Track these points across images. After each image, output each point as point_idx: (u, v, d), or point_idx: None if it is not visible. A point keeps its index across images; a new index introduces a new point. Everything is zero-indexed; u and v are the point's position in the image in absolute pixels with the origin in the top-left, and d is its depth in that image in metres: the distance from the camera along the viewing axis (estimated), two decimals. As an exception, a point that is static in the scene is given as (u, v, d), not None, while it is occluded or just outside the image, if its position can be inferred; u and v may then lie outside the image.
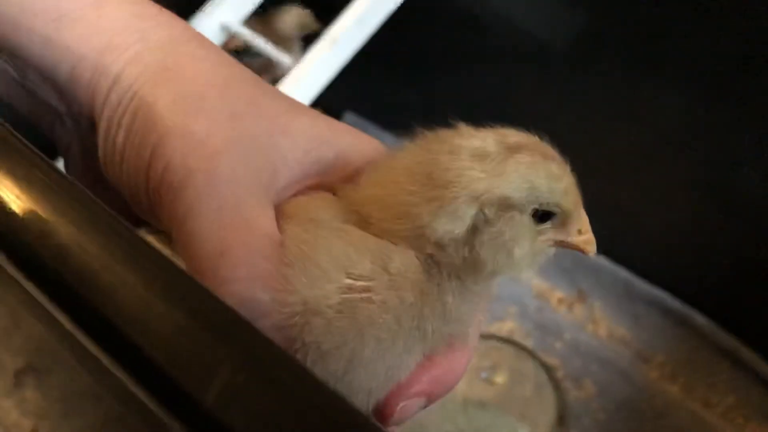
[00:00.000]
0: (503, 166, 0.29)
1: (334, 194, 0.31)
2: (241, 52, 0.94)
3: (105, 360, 0.20)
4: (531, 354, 0.57)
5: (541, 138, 0.31)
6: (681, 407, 0.80)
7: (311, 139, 0.30)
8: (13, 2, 0.30)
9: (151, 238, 0.30)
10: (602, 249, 0.94)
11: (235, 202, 0.28)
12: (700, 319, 0.85)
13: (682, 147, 0.84)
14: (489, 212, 0.28)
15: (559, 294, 0.90)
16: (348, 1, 0.83)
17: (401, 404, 0.30)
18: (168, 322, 0.19)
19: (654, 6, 0.79)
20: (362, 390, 0.29)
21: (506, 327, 0.86)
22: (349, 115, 1.07)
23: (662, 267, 0.88)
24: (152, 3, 0.32)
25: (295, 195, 0.30)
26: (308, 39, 0.95)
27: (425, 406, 0.31)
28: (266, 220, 0.28)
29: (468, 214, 0.28)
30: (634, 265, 0.89)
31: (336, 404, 0.19)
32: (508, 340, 0.59)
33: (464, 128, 0.31)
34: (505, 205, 0.28)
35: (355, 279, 0.28)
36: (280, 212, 0.30)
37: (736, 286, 0.84)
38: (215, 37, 0.86)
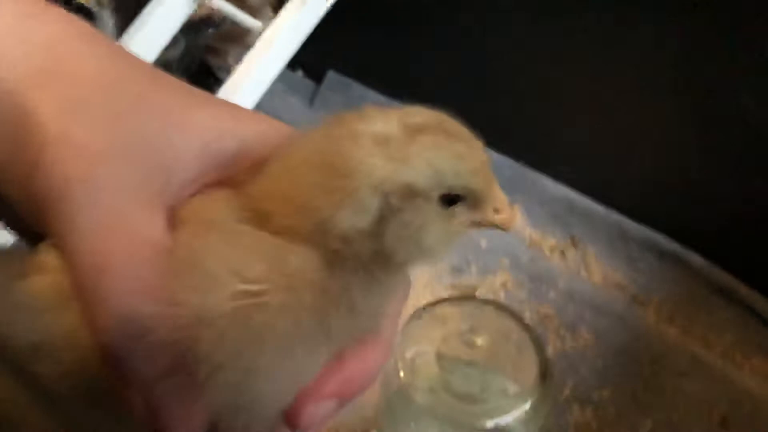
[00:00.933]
0: (405, 151, 0.27)
1: (236, 188, 0.29)
2: (207, 21, 0.92)
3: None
4: (512, 314, 0.56)
5: (449, 114, 0.29)
6: (680, 349, 0.79)
7: (211, 132, 0.29)
8: None
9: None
10: (594, 192, 0.93)
11: (116, 210, 0.26)
12: (696, 258, 0.83)
13: (672, 78, 0.81)
14: (394, 201, 0.27)
15: (551, 241, 0.89)
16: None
17: (310, 409, 0.29)
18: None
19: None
20: (266, 399, 0.28)
21: (499, 279, 0.86)
22: (332, 74, 1.05)
23: (656, 207, 0.86)
24: (40, 1, 0.31)
25: (195, 193, 0.29)
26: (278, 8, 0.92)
27: (339, 408, 0.30)
28: (152, 229, 0.27)
29: (372, 205, 0.27)
30: (627, 207, 0.87)
31: None
32: (487, 301, 0.58)
33: (369, 110, 0.29)
34: (410, 193, 0.27)
35: (248, 283, 0.26)
36: (175, 216, 0.28)
37: (732, 223, 0.83)
38: (185, 6, 0.84)
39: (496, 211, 0.30)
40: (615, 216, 0.87)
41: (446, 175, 0.27)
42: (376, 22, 1.01)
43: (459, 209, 0.29)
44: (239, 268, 0.26)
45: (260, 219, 0.28)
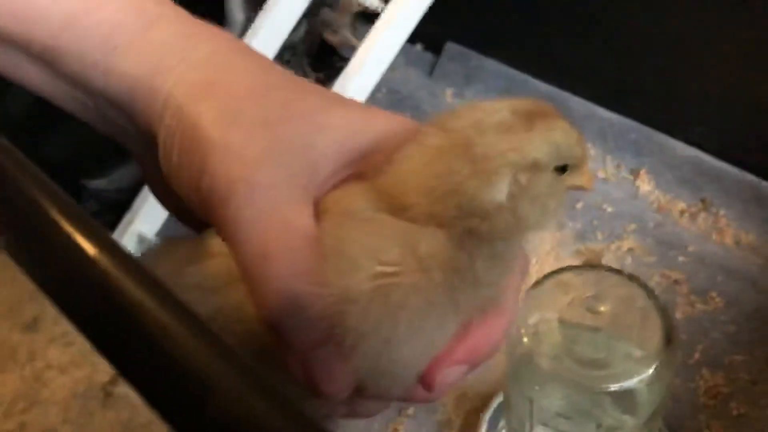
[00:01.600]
0: (528, 135, 0.31)
1: (371, 181, 0.33)
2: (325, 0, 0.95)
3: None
4: (635, 280, 0.57)
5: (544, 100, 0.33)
6: (820, 312, 0.76)
7: (345, 131, 0.33)
8: (77, 39, 0.34)
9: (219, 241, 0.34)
10: (726, 154, 0.90)
11: (272, 206, 0.31)
12: (838, 218, 0.79)
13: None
14: (523, 177, 0.31)
15: (681, 205, 0.87)
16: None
17: (442, 374, 0.32)
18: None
19: None
20: (403, 365, 0.32)
21: (625, 245, 0.85)
22: (450, 45, 1.07)
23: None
24: (195, 21, 0.35)
25: (336, 185, 0.33)
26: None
27: (468, 372, 0.33)
28: (303, 220, 0.31)
29: (506, 182, 0.31)
30: (761, 168, 0.84)
31: None
32: (609, 268, 0.58)
33: (477, 104, 0.32)
34: (536, 168, 0.31)
35: (384, 265, 0.30)
36: (320, 206, 0.32)
37: None
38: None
39: (584, 175, 0.34)
40: (748, 177, 0.84)
41: (561, 149, 0.32)
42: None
43: (567, 175, 0.33)
44: (376, 253, 0.31)
45: (394, 208, 0.31)
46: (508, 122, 0.31)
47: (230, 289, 0.32)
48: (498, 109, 0.32)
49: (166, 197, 0.39)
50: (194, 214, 0.34)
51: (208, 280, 0.33)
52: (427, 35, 1.07)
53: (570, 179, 0.33)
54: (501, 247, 0.32)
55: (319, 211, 0.32)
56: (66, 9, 0.34)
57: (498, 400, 0.71)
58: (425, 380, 0.33)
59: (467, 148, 0.31)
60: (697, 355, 0.75)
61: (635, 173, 0.91)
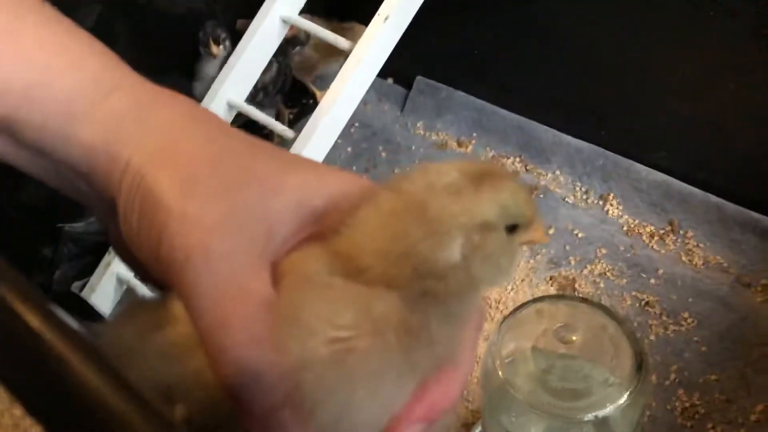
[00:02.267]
0: (477, 196, 0.32)
1: (327, 241, 0.34)
2: (293, 41, 0.97)
3: None
4: (604, 309, 0.58)
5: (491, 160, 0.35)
6: (790, 329, 0.78)
7: (301, 193, 0.33)
8: (37, 110, 0.34)
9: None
10: (691, 176, 0.92)
11: (229, 275, 0.31)
12: (802, 236, 0.82)
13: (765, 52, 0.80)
14: (475, 237, 0.32)
15: (649, 228, 0.89)
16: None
17: None
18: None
19: None
20: (362, 428, 0.32)
21: (597, 269, 0.87)
22: (420, 79, 1.09)
23: (755, 187, 0.85)
24: (153, 87, 0.36)
25: (294, 247, 0.34)
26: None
27: (427, 429, 0.34)
28: (260, 287, 0.32)
29: (459, 243, 0.32)
30: (724, 188, 0.86)
31: None
32: (579, 298, 0.60)
33: (428, 166, 0.34)
34: (486, 228, 0.32)
35: (339, 330, 0.31)
36: (277, 270, 0.33)
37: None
38: (279, 30, 0.90)
39: (539, 228, 0.35)
40: (714, 199, 0.87)
41: (509, 209, 0.33)
42: (458, 26, 1.04)
43: (518, 233, 0.34)
44: (331, 318, 0.31)
45: (349, 271, 0.32)
46: (457, 184, 0.32)
47: (192, 355, 0.33)
48: (447, 172, 0.33)
49: (129, 259, 0.39)
50: (156, 280, 0.35)
51: (170, 347, 0.33)
52: (398, 70, 1.09)
53: (522, 237, 0.34)
54: (455, 305, 0.33)
55: (277, 275, 0.33)
56: (25, 80, 0.34)
57: (477, 429, 0.72)
58: None
59: (420, 210, 0.32)
60: (672, 376, 0.76)
61: (604, 198, 0.93)
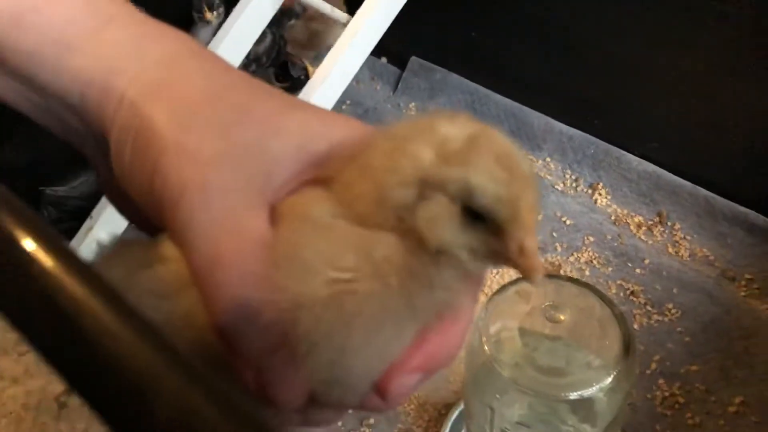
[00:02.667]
0: (455, 157, 0.30)
1: (327, 187, 0.33)
2: (288, 12, 0.96)
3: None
4: (593, 290, 0.58)
5: (510, 136, 0.32)
6: (772, 324, 0.78)
7: (303, 136, 0.32)
8: (27, 36, 0.33)
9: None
10: (681, 169, 0.92)
11: (226, 210, 0.30)
12: (788, 233, 0.82)
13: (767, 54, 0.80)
14: (427, 192, 0.30)
15: (637, 218, 0.89)
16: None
17: (397, 382, 0.32)
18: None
19: None
20: (358, 373, 0.31)
21: (584, 257, 0.87)
22: (414, 59, 1.08)
23: (745, 182, 0.85)
24: (151, 21, 0.35)
25: (293, 190, 0.33)
26: None
27: (423, 381, 0.33)
28: (257, 225, 0.31)
29: (413, 188, 0.30)
30: (714, 182, 0.86)
31: None
32: (568, 278, 0.59)
33: (440, 116, 0.32)
34: (441, 189, 0.30)
35: (340, 272, 0.30)
36: (275, 211, 0.32)
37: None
38: (273, 1, 0.89)
39: (521, 251, 0.30)
40: (703, 192, 0.87)
41: (474, 190, 0.29)
42: (455, 7, 1.03)
43: (480, 227, 0.30)
44: (332, 259, 0.30)
45: (350, 215, 0.31)
46: (451, 138, 0.30)
47: (182, 294, 0.32)
48: (456, 126, 0.31)
49: (120, 202, 0.38)
50: (149, 219, 0.33)
51: (159, 285, 0.32)
52: (392, 49, 1.08)
53: (484, 236, 0.30)
54: (448, 259, 0.31)
55: (274, 217, 0.32)
56: (16, 5, 0.33)
57: (459, 408, 0.71)
58: (380, 389, 0.32)
59: (397, 154, 0.30)
60: (654, 366, 0.76)
61: (593, 187, 0.93)
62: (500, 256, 0.30)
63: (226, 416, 0.20)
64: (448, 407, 0.74)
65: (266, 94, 0.34)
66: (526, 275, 0.30)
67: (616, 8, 0.90)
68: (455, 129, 0.31)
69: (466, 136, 0.30)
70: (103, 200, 0.87)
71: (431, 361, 0.32)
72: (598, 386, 0.55)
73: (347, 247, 0.30)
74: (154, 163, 0.31)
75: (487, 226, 0.30)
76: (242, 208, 0.31)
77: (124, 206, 0.39)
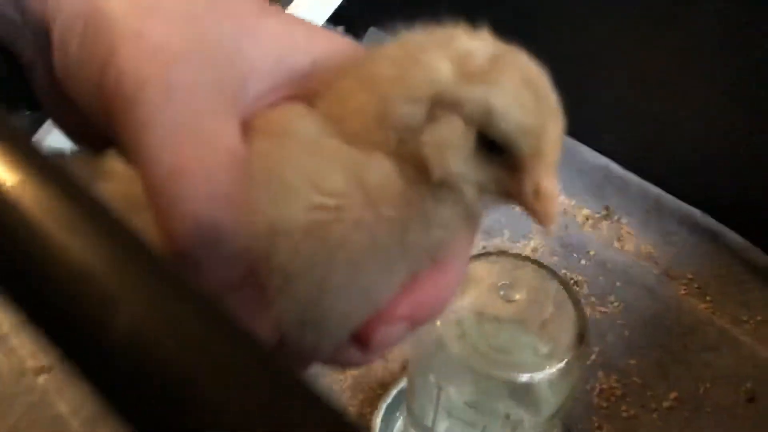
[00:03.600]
0: (476, 73, 0.26)
1: (310, 105, 0.29)
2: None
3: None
4: (550, 272, 0.56)
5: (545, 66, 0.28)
6: (710, 324, 0.79)
7: (284, 45, 0.28)
8: None
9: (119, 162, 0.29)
10: (632, 164, 0.91)
11: (193, 113, 0.26)
12: (732, 236, 0.82)
13: (722, 56, 0.80)
14: (439, 111, 0.26)
15: (585, 211, 0.88)
16: None
17: (381, 330, 0.28)
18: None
19: None
20: (336, 317, 0.27)
21: (531, 245, 0.85)
22: (372, 30, 1.04)
23: (693, 182, 0.85)
24: None
25: (267, 106, 0.29)
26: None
27: (409, 332, 0.29)
28: (229, 134, 0.26)
29: (423, 105, 0.26)
30: (664, 180, 0.86)
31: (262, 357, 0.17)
32: (526, 258, 0.57)
33: (459, 29, 0.28)
34: (456, 110, 0.26)
35: (325, 196, 0.26)
36: (248, 127, 0.27)
37: (771, 201, 0.82)
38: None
39: (536, 193, 0.27)
40: (652, 188, 0.87)
41: (496, 113, 0.26)
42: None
43: (494, 160, 0.27)
44: (317, 180, 0.26)
45: (338, 130, 0.27)
46: (473, 54, 0.27)
47: (131, 216, 0.27)
48: (478, 41, 0.27)
49: (59, 110, 0.32)
50: (94, 128, 0.28)
51: None
52: (349, 18, 1.04)
53: (499, 170, 0.27)
54: (448, 192, 0.27)
55: (247, 132, 0.27)
56: None
57: (398, 387, 0.69)
58: (362, 337, 0.28)
59: (408, 63, 0.26)
60: (593, 357, 0.76)
61: (544, 176, 0.92)
62: (512, 196, 0.27)
63: (209, 326, 0.16)
64: (385, 387, 0.71)
65: None
66: (540, 220, 0.27)
67: (579, 6, 0.89)
68: (479, 44, 0.27)
69: (490, 53, 0.27)
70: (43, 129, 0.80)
71: (420, 310, 0.28)
72: (550, 371, 0.53)
73: (336, 168, 0.26)
74: (106, 54, 0.26)
75: (503, 159, 0.27)
76: (213, 113, 0.26)
77: (64, 116, 0.33)
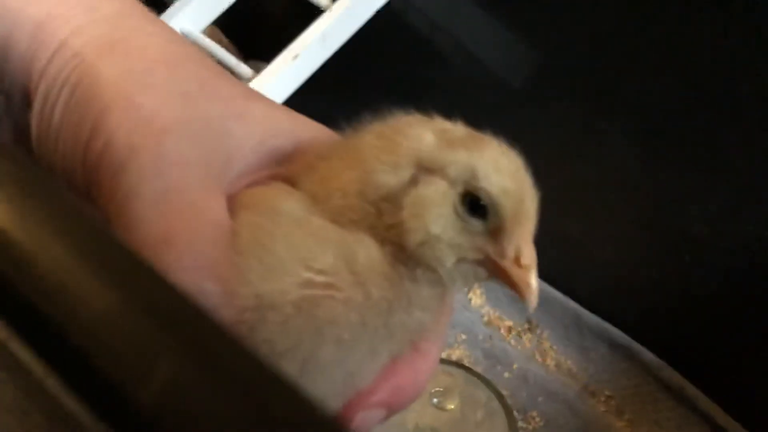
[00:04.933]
0: (459, 142, 0.27)
1: (292, 185, 0.29)
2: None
3: (21, 351, 0.18)
4: (483, 380, 0.56)
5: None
6: (626, 442, 0.79)
7: (268, 128, 0.29)
8: None
9: None
10: (552, 279, 0.93)
11: (182, 185, 0.26)
12: (646, 354, 0.85)
13: (632, 186, 0.85)
14: (421, 175, 0.27)
15: (508, 323, 0.89)
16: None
17: (361, 415, 0.28)
18: (99, 301, 0.16)
19: (609, 49, 0.80)
20: (318, 395, 0.27)
21: (456, 354, 0.85)
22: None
23: (611, 300, 0.88)
24: None
25: (250, 185, 0.29)
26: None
27: (385, 418, 0.29)
28: (216, 207, 0.26)
29: (407, 171, 0.27)
30: (583, 297, 0.89)
31: (302, 406, 0.16)
32: (459, 365, 0.57)
33: (436, 117, 0.29)
34: (439, 173, 0.27)
35: (316, 273, 0.26)
36: (233, 203, 0.28)
37: (683, 322, 0.85)
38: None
39: (517, 261, 0.27)
40: (572, 304, 0.89)
41: (478, 176, 0.27)
42: (350, 92, 1.03)
43: (476, 222, 0.27)
44: (308, 256, 0.26)
45: (323, 211, 0.27)
46: (451, 131, 0.28)
47: None
48: (453, 125, 0.29)
49: None
50: (76, 190, 0.28)
51: None
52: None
53: (481, 234, 0.27)
54: (425, 273, 0.27)
55: (232, 208, 0.27)
56: None
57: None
58: (342, 419, 0.27)
59: (395, 138, 0.27)
60: (515, 473, 0.74)
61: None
62: (490, 265, 0.27)
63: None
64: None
65: (228, 76, 0.30)
66: (520, 291, 0.27)
67: (506, 116, 0.93)
68: (456, 125, 0.28)
69: (467, 131, 0.28)
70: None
71: (398, 395, 0.28)
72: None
73: (326, 246, 0.26)
74: (94, 122, 0.26)
75: (483, 225, 0.27)
76: (201, 186, 0.26)
77: None
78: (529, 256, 0.28)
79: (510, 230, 0.27)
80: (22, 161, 0.20)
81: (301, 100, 0.85)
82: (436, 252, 0.27)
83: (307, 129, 0.30)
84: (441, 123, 0.29)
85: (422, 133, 0.27)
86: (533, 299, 0.27)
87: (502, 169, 0.27)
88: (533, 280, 0.27)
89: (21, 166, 0.20)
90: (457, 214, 0.27)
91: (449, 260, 0.27)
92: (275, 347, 0.25)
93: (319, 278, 0.26)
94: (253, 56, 0.97)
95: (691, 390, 0.82)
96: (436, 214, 0.27)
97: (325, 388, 0.27)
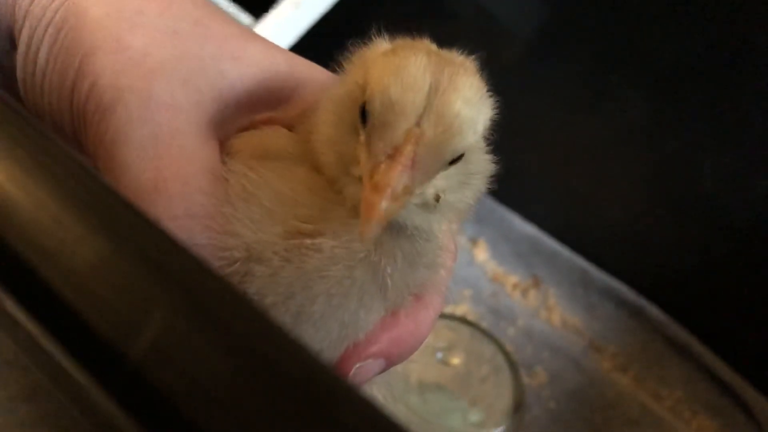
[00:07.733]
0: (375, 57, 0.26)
1: (289, 130, 0.28)
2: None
3: (9, 304, 0.17)
4: (488, 335, 0.55)
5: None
6: (631, 398, 0.79)
7: (264, 69, 0.27)
8: None
9: None
10: (562, 235, 0.92)
11: (171, 129, 0.24)
12: (653, 311, 0.84)
13: (643, 142, 0.83)
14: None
15: (513, 279, 0.89)
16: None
17: (357, 366, 0.27)
18: (87, 250, 0.15)
19: (624, 3, 0.77)
20: (314, 346, 0.26)
21: (460, 310, 0.84)
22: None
23: (619, 257, 0.87)
24: None
25: (243, 128, 0.27)
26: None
27: (385, 369, 0.28)
28: (207, 152, 0.25)
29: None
30: (590, 253, 0.88)
31: (302, 357, 0.15)
32: (464, 320, 0.56)
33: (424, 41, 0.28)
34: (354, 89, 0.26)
35: (303, 222, 0.24)
36: (225, 147, 0.26)
37: (691, 279, 0.84)
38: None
39: (373, 171, 0.23)
40: (579, 260, 0.88)
41: (369, 82, 0.24)
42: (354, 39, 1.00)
43: (360, 130, 0.24)
44: (294, 206, 0.25)
45: (314, 163, 0.26)
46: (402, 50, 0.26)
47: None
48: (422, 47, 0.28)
49: None
50: (61, 133, 0.26)
51: None
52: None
53: (362, 141, 0.24)
54: (420, 221, 0.27)
55: (226, 153, 0.26)
56: None
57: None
58: (339, 371, 0.27)
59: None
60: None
61: (474, 241, 0.92)
62: (358, 171, 0.24)
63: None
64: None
65: (224, 16, 0.28)
66: (362, 212, 0.22)
67: (514, 70, 0.91)
68: (439, 49, 0.28)
69: (441, 52, 0.27)
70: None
71: (398, 347, 0.28)
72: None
73: (313, 197, 0.25)
74: (80, 63, 0.24)
75: (366, 128, 0.24)
76: (192, 130, 0.25)
77: None
78: (386, 172, 0.22)
79: (377, 135, 0.23)
80: (4, 107, 0.18)
81: (309, 44, 0.83)
82: (322, 157, 0.26)
83: (306, 71, 0.29)
84: (423, 44, 0.27)
85: (378, 50, 0.27)
86: (368, 228, 0.22)
87: (386, 68, 0.24)
88: (379, 203, 0.22)
89: (3, 112, 0.18)
90: (349, 120, 0.25)
91: (330, 157, 0.25)
92: (266, 300, 0.25)
93: (306, 226, 0.25)
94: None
95: (697, 347, 0.81)
96: (329, 112, 0.25)
97: (320, 341, 0.26)
